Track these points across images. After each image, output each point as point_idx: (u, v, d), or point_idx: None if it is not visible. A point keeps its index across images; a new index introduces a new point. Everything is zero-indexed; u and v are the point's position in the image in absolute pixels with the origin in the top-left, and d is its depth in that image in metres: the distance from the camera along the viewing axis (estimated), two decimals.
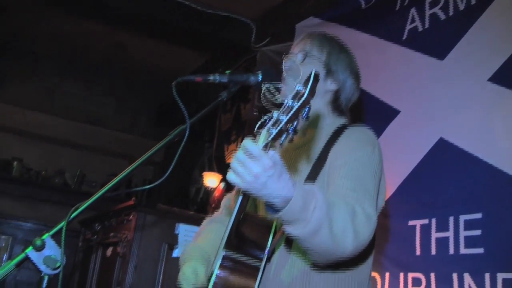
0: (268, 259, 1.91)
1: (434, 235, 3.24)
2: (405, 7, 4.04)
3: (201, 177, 7.46)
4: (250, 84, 2.08)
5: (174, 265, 3.99)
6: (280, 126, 1.39)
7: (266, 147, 1.46)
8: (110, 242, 4.34)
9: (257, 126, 1.51)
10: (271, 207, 1.58)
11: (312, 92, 1.33)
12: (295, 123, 1.38)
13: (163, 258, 3.98)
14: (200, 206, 7.61)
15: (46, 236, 1.59)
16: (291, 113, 1.36)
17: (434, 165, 3.37)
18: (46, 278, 1.57)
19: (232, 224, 1.84)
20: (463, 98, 3.27)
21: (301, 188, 1.55)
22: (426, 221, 3.32)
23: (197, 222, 4.07)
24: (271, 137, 1.42)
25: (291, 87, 2.02)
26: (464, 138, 3.20)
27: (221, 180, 6.90)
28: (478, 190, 3.03)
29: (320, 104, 2.17)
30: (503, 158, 2.93)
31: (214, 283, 1.77)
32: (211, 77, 2.01)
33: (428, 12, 3.81)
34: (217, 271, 1.79)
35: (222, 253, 1.82)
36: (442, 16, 3.66)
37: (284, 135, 1.41)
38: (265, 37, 6.05)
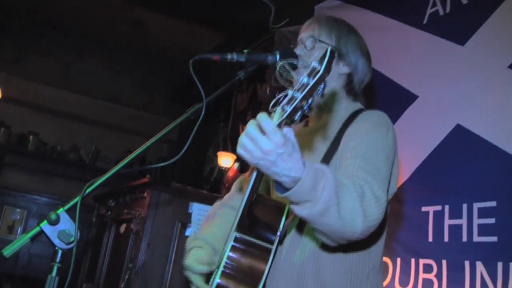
0: (280, 242, 1.91)
1: (447, 222, 3.23)
2: None
3: (215, 156, 7.47)
4: (267, 64, 2.06)
5: (186, 244, 4.00)
6: (295, 103, 1.36)
7: (280, 125, 1.43)
8: (124, 218, 4.36)
9: (271, 104, 1.49)
10: (280, 186, 1.56)
11: (328, 69, 1.30)
12: (310, 100, 1.36)
13: (176, 236, 3.99)
14: (213, 185, 7.63)
15: (61, 211, 1.59)
16: (306, 90, 1.33)
17: (450, 151, 3.34)
18: (59, 252, 1.57)
19: (245, 205, 1.82)
20: (482, 85, 3.23)
21: (311, 168, 1.52)
22: (439, 207, 3.31)
23: (210, 201, 4.07)
24: (286, 115, 1.39)
25: (305, 68, 2.02)
26: (481, 125, 3.17)
27: (235, 160, 6.91)
28: (493, 178, 3.00)
29: (334, 87, 2.15)
30: None
31: (226, 263, 1.76)
32: (229, 56, 1.99)
33: None
34: (228, 252, 1.78)
35: (234, 234, 1.81)
36: (464, 0, 3.61)
37: (299, 113, 1.39)
38: (284, 18, 6.00)
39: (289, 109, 1.38)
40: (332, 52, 1.32)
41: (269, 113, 1.48)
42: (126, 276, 3.88)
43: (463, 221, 3.10)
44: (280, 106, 1.44)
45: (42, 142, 8.21)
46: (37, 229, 1.56)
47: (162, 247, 3.94)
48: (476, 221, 3.01)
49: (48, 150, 8.22)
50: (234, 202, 2.37)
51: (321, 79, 1.31)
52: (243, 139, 1.46)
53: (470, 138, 3.20)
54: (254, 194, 1.84)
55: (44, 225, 1.56)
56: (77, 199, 1.66)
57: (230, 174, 6.94)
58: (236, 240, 1.80)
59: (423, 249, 3.34)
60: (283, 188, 1.55)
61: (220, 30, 7.62)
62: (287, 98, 1.41)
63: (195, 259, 2.09)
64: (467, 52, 3.43)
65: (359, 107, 2.17)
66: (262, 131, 1.42)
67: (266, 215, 1.88)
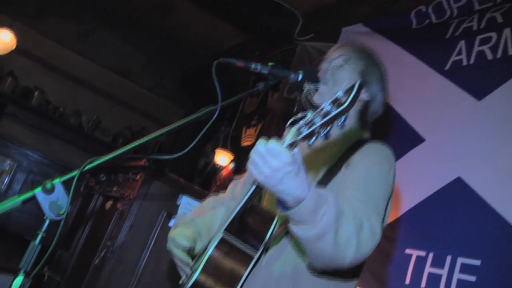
0: (265, 251, 1.94)
1: (428, 269, 3.23)
2: (455, 38, 3.97)
3: (213, 152, 7.47)
4: (288, 81, 2.08)
5: (167, 234, 4.00)
6: (313, 128, 1.38)
7: (292, 145, 1.48)
8: (112, 196, 4.35)
9: (289, 122, 1.52)
10: (282, 204, 1.59)
11: (353, 103, 1.31)
12: (328, 128, 1.37)
13: (159, 224, 3.99)
14: (204, 180, 7.63)
15: (57, 181, 1.60)
16: (327, 118, 1.35)
17: (445, 201, 3.35)
18: (47, 221, 1.57)
19: (238, 211, 1.86)
20: (492, 144, 3.23)
21: (315, 191, 1.56)
22: (423, 253, 3.31)
23: (200, 197, 4.10)
24: (301, 136, 1.43)
25: (327, 91, 2.09)
26: (482, 184, 3.17)
27: (231, 161, 6.91)
28: (483, 237, 3.01)
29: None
30: None
31: (207, 261, 1.80)
32: (253, 66, 2.01)
33: (476, 48, 3.74)
34: (212, 251, 1.81)
35: (221, 235, 1.84)
36: (490, 55, 3.60)
37: (315, 137, 1.41)
38: (309, 32, 6.02)
39: (305, 132, 1.41)
40: (360, 86, 1.32)
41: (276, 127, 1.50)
42: (102, 253, 3.88)
43: (444, 272, 3.10)
44: (296, 126, 1.47)
45: (46, 100, 8.19)
46: (30, 194, 1.57)
47: (143, 232, 3.94)
48: (457, 275, 3.02)
49: (51, 109, 8.19)
50: (228, 202, 2.42)
51: (344, 111, 1.33)
52: (253, 155, 1.52)
53: (468, 194, 3.20)
54: (250, 203, 1.87)
55: (38, 191, 1.57)
56: (75, 173, 1.66)
57: (224, 173, 6.94)
58: (222, 240, 1.84)
59: None
60: (285, 207, 1.58)
61: (243, 30, 7.61)
62: (305, 120, 1.43)
63: (180, 233, 2.14)
64: (482, 108, 3.43)
65: (366, 137, 2.20)
66: (269, 151, 1.47)
67: (256, 223, 1.93)
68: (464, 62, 3.78)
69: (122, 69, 9.00)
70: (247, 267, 1.82)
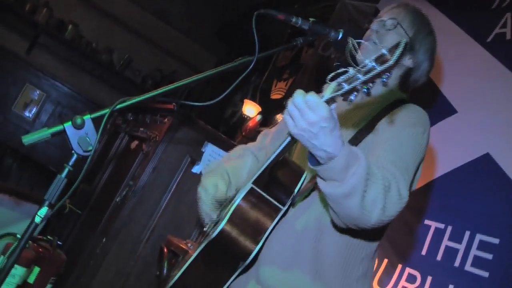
0: (292, 205, 1.94)
1: (445, 242, 3.23)
2: (502, 9, 3.84)
3: (241, 102, 7.46)
4: (328, 39, 2.05)
5: (189, 180, 4.05)
6: (354, 84, 1.35)
7: (331, 100, 1.45)
8: (138, 136, 4.39)
9: (329, 77, 1.48)
10: (314, 158, 1.59)
11: (398, 60, 1.27)
12: (370, 85, 1.34)
13: (182, 169, 4.02)
14: (230, 129, 7.65)
15: (87, 117, 1.60)
16: (370, 74, 1.31)
17: (471, 176, 3.31)
18: (75, 156, 1.58)
19: (269, 163, 1.87)
20: None
21: (348, 149, 1.54)
22: (442, 226, 3.30)
23: (225, 146, 4.12)
24: (341, 91, 1.39)
25: (372, 49, 2.03)
26: (511, 163, 3.12)
27: (259, 113, 6.90)
28: (505, 217, 2.98)
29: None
30: None
31: (234, 211, 1.81)
32: (294, 19, 1.98)
33: None
34: (240, 201, 1.82)
35: (250, 185, 1.85)
36: None
37: (354, 94, 1.37)
38: None
39: (346, 87, 1.37)
40: (405, 45, 1.28)
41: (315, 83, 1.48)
42: (124, 192, 3.94)
43: (461, 247, 3.10)
44: (336, 81, 1.43)
45: (79, 34, 8.18)
46: (60, 127, 1.56)
47: (166, 176, 3.98)
48: (474, 251, 3.01)
49: (83, 44, 8.19)
50: (257, 152, 2.42)
51: (388, 69, 1.29)
52: (290, 107, 1.50)
53: (495, 171, 3.16)
54: (281, 156, 1.87)
55: (68, 126, 1.57)
56: (106, 111, 1.66)
57: (250, 124, 6.94)
58: (250, 191, 1.85)
59: (414, 259, 3.35)
60: (316, 161, 1.58)
61: None
62: (346, 75, 1.39)
63: (213, 182, 2.16)
64: None
65: (403, 97, 2.16)
66: (307, 104, 1.44)
67: (285, 177, 1.93)
68: (508, 36, 3.66)
69: (159, 10, 8.92)
70: (273, 220, 1.83)
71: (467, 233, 3.11)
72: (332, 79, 1.47)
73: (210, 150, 4.08)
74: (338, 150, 1.51)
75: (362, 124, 2.01)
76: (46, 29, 7.76)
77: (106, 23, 8.58)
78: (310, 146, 1.53)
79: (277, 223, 1.85)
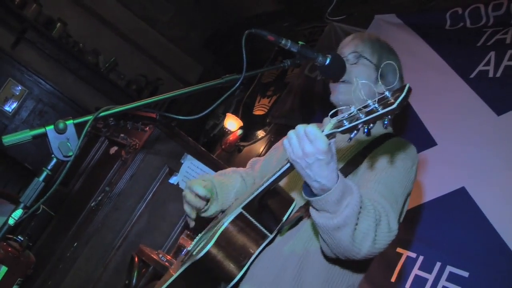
0: (279, 233, 1.96)
1: (416, 271, 3.24)
2: (487, 47, 3.90)
3: (223, 115, 7.47)
4: (315, 63, 2.08)
5: (166, 190, 4.04)
6: (355, 123, 1.39)
7: (330, 135, 1.49)
8: (118, 142, 4.37)
9: (331, 113, 1.52)
10: (308, 189, 1.61)
11: (401, 105, 1.30)
12: (371, 125, 1.37)
13: (160, 178, 4.02)
14: (210, 141, 7.64)
15: (70, 122, 1.59)
16: (372, 116, 1.35)
17: (446, 208, 3.34)
18: (54, 160, 1.58)
19: (261, 190, 1.86)
20: (503, 161, 3.19)
21: (343, 182, 1.57)
22: (413, 255, 3.32)
23: (205, 159, 4.12)
24: (342, 129, 1.43)
25: (344, 88, 2.12)
26: (485, 199, 3.15)
27: (240, 127, 6.91)
28: (476, 251, 3.01)
29: None
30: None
31: (221, 234, 1.81)
32: (283, 41, 2.00)
33: (505, 62, 3.66)
34: (227, 224, 1.82)
35: (240, 210, 1.86)
36: None
37: (355, 132, 1.41)
38: (342, 13, 5.96)
39: (347, 125, 1.42)
40: (409, 91, 1.31)
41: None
42: (99, 198, 3.91)
43: (431, 277, 3.11)
44: (337, 118, 1.48)
45: (67, 33, 8.15)
46: (42, 130, 1.56)
47: (142, 184, 3.96)
48: (443, 282, 3.03)
49: (70, 43, 8.15)
50: (246, 176, 2.45)
51: (391, 113, 1.32)
52: (291, 133, 1.54)
53: (469, 205, 3.18)
54: (275, 184, 1.87)
55: (50, 129, 1.56)
56: (89, 118, 1.65)
57: (231, 138, 6.95)
58: (239, 216, 1.85)
59: (382, 286, 3.36)
60: (310, 192, 1.61)
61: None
62: (348, 113, 1.43)
63: (197, 182, 2.16)
64: (500, 123, 3.38)
65: (389, 131, 2.19)
66: (307, 135, 1.49)
67: (274, 204, 1.94)
68: (491, 74, 3.71)
69: (149, 16, 8.92)
70: (259, 247, 1.84)
71: (438, 264, 3.13)
72: (333, 115, 1.50)
73: (188, 162, 4.08)
74: (333, 183, 1.54)
75: (350, 157, 2.04)
76: (34, 25, 7.71)
77: (95, 25, 8.56)
78: (304, 175, 1.56)
79: (262, 249, 1.86)
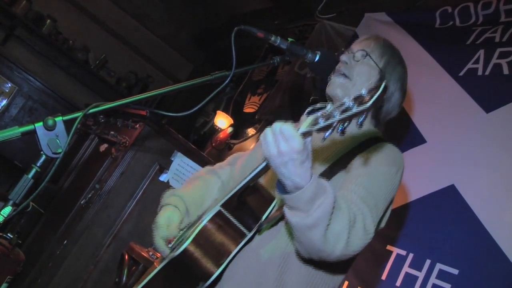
0: (259, 232, 1.94)
1: (406, 268, 3.25)
2: (476, 45, 3.91)
3: (213, 112, 7.47)
4: (304, 60, 2.08)
5: (156, 187, 4.03)
6: (330, 121, 1.37)
7: (306, 134, 1.47)
8: (108, 139, 4.35)
9: (306, 111, 1.52)
10: (282, 186, 1.60)
11: (376, 103, 1.29)
12: (346, 124, 1.36)
13: (150, 176, 4.01)
14: (200, 138, 7.64)
15: (59, 119, 1.58)
16: (347, 114, 1.33)
17: (435, 206, 3.35)
18: (43, 157, 1.57)
19: (240, 187, 1.86)
20: (491, 158, 3.21)
21: (316, 182, 1.56)
22: (403, 252, 3.33)
23: (195, 157, 4.12)
24: (317, 127, 1.41)
25: (343, 83, 2.10)
26: (474, 196, 3.16)
27: (230, 125, 6.91)
28: (466, 248, 3.02)
29: None
30: (502, 231, 2.92)
31: (199, 232, 1.80)
32: (272, 38, 2.00)
33: (494, 60, 3.68)
34: (206, 222, 1.81)
35: (218, 208, 1.85)
36: (506, 70, 3.55)
37: (330, 131, 1.39)
38: (332, 11, 5.96)
39: (322, 123, 1.40)
40: (385, 89, 1.30)
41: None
42: (89, 195, 3.90)
43: (421, 275, 3.13)
44: (313, 116, 1.45)
45: (57, 30, 8.11)
46: (30, 127, 1.55)
47: (133, 182, 3.96)
48: (433, 280, 3.04)
49: (60, 40, 8.11)
50: (222, 173, 2.43)
51: (365, 111, 1.31)
52: (267, 130, 1.53)
53: (458, 203, 3.20)
54: (254, 180, 1.87)
55: (39, 126, 1.55)
56: (79, 114, 1.64)
57: (221, 135, 6.95)
58: (217, 214, 1.84)
59: (373, 283, 3.37)
60: (284, 190, 1.60)
61: None
62: (323, 111, 1.42)
63: (167, 219, 2.12)
64: (488, 121, 3.39)
65: (378, 135, 2.18)
66: (282, 134, 1.48)
67: (254, 203, 1.93)
68: (480, 72, 3.72)
69: (139, 13, 8.89)
70: (237, 245, 1.84)
71: (428, 262, 3.14)
72: (309, 113, 1.49)
73: (179, 159, 4.07)
74: (306, 181, 1.53)
75: (335, 159, 2.02)
76: (24, 21, 7.67)
77: (85, 22, 8.53)
78: (278, 173, 1.56)
79: (241, 248, 1.85)
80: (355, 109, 1.31)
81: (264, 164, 1.72)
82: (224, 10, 8.48)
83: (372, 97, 1.29)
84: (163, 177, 4.05)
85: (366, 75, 2.13)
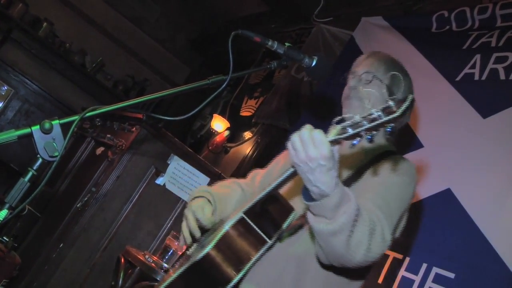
0: (279, 240, 1.97)
1: (402, 272, 3.26)
2: (472, 50, 3.93)
3: (210, 116, 7.47)
4: (301, 65, 2.09)
5: (152, 191, 4.03)
6: (359, 130, 1.42)
7: (334, 142, 1.51)
8: (104, 142, 4.35)
9: (335, 120, 1.55)
10: (307, 194, 1.64)
11: (404, 113, 1.34)
12: (374, 133, 1.41)
13: (146, 179, 4.01)
14: (197, 142, 7.64)
15: (56, 122, 1.58)
16: (375, 123, 1.38)
17: (431, 210, 3.36)
18: (40, 160, 1.57)
19: (264, 195, 1.88)
20: (488, 163, 3.22)
21: (341, 189, 1.60)
22: (400, 256, 3.34)
23: (191, 160, 4.12)
24: (345, 135, 1.46)
25: (357, 106, 2.16)
26: (470, 200, 3.17)
27: (227, 129, 6.91)
28: (462, 252, 3.03)
29: None
30: (498, 234, 2.92)
31: (221, 238, 1.83)
32: (270, 43, 2.01)
33: (491, 65, 3.69)
34: (228, 228, 1.84)
35: (241, 215, 1.87)
36: (503, 75, 3.56)
37: (358, 139, 1.45)
38: (329, 15, 5.98)
39: (351, 132, 1.45)
40: (412, 101, 1.36)
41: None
42: (85, 198, 3.90)
43: (417, 279, 3.13)
44: (341, 125, 1.50)
45: (53, 33, 8.09)
46: (27, 130, 1.55)
47: (129, 185, 3.95)
48: (429, 283, 3.05)
49: (57, 43, 8.09)
50: (245, 185, 2.47)
51: (393, 120, 1.36)
52: (294, 137, 1.57)
53: (455, 207, 3.21)
54: (278, 189, 1.89)
55: (35, 129, 1.55)
56: (75, 118, 1.64)
57: (218, 139, 6.95)
58: (240, 220, 1.87)
59: (370, 286, 3.37)
60: (309, 197, 1.64)
61: (264, 0, 7.52)
62: (352, 121, 1.46)
63: (201, 206, 2.16)
64: (485, 126, 3.40)
65: (391, 149, 2.23)
66: (312, 139, 1.51)
67: (275, 211, 1.96)
68: (476, 77, 3.73)
69: (136, 17, 8.90)
70: (258, 252, 1.86)
71: (424, 266, 3.15)
72: (338, 122, 1.52)
73: (175, 163, 4.07)
74: (332, 189, 1.56)
75: (354, 169, 2.07)
76: (20, 24, 7.65)
77: (82, 25, 8.52)
78: (305, 179, 1.59)
79: (262, 255, 1.88)
80: (384, 118, 1.36)
81: (289, 172, 1.74)
82: (221, 14, 8.50)
83: (400, 107, 1.34)
84: (159, 181, 4.05)
85: (377, 94, 2.18)
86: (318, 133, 1.51)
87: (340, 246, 1.64)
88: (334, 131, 1.51)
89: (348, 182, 2.00)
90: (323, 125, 1.64)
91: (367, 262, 1.71)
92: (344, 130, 1.47)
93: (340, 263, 1.74)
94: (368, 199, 1.85)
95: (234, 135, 6.90)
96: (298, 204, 1.99)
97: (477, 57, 3.83)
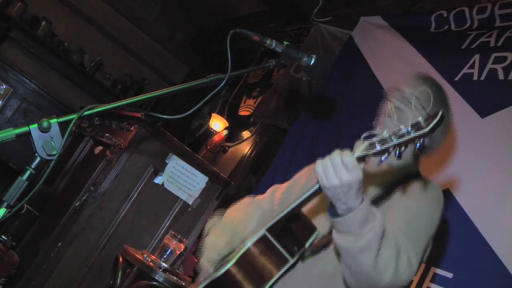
0: (301, 259, 1.95)
1: None
2: (471, 50, 3.92)
3: (208, 115, 7.47)
4: (300, 63, 2.08)
5: (151, 190, 4.03)
6: (387, 145, 1.42)
7: (362, 158, 1.51)
8: (103, 141, 4.35)
9: (364, 136, 1.54)
10: (333, 210, 1.63)
11: (433, 130, 1.34)
12: (402, 149, 1.40)
13: (144, 178, 4.00)
14: (195, 141, 7.63)
15: (54, 121, 1.57)
16: (404, 139, 1.38)
17: None
18: (38, 159, 1.56)
19: (287, 213, 1.85)
20: (486, 163, 3.22)
21: (367, 206, 1.59)
22: None
23: (190, 160, 4.11)
24: (373, 151, 1.46)
25: (391, 124, 2.04)
26: (469, 201, 3.17)
27: (225, 128, 6.91)
28: (460, 253, 3.02)
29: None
30: (497, 235, 2.92)
31: (243, 254, 1.81)
32: (268, 41, 2.00)
33: (489, 65, 3.68)
34: (250, 245, 1.82)
35: (263, 232, 1.85)
36: (501, 75, 3.56)
37: (386, 155, 1.45)
38: (328, 15, 5.97)
39: (379, 148, 1.44)
40: (442, 118, 1.35)
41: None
42: (84, 197, 3.89)
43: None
44: (369, 141, 1.49)
45: (52, 32, 8.08)
46: (25, 129, 1.54)
47: (127, 184, 3.95)
48: (428, 283, 3.05)
49: (55, 42, 8.08)
50: (263, 203, 2.43)
51: (423, 136, 1.35)
52: (326, 162, 1.55)
53: (453, 207, 3.19)
54: (301, 207, 1.86)
55: (34, 128, 1.55)
56: (74, 117, 1.63)
57: (216, 138, 6.95)
58: (262, 238, 1.84)
59: None
60: (335, 213, 1.62)
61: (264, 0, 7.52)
62: (380, 136, 1.45)
63: (213, 243, 2.16)
64: (483, 126, 3.40)
65: (417, 171, 2.17)
66: (344, 164, 1.50)
67: (298, 230, 1.93)
68: (475, 77, 3.72)
69: (135, 17, 8.89)
70: (279, 270, 1.84)
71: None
72: (366, 138, 1.51)
73: (174, 162, 4.07)
74: (358, 204, 1.56)
75: (380, 188, 2.04)
76: (19, 23, 7.64)
77: (81, 24, 8.51)
78: (333, 197, 1.58)
79: (283, 273, 1.85)
80: (413, 134, 1.36)
81: (311, 191, 1.71)
82: (220, 13, 8.49)
83: (430, 123, 1.34)
84: (157, 180, 4.04)
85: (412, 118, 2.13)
86: (349, 158, 1.50)
87: (368, 264, 1.61)
88: (361, 146, 1.51)
89: (377, 201, 1.97)
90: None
91: (396, 285, 1.68)
92: (372, 146, 1.47)
93: (369, 285, 1.69)
94: (392, 223, 1.81)
95: (233, 135, 6.90)
96: (321, 223, 1.98)
97: (476, 57, 3.83)
